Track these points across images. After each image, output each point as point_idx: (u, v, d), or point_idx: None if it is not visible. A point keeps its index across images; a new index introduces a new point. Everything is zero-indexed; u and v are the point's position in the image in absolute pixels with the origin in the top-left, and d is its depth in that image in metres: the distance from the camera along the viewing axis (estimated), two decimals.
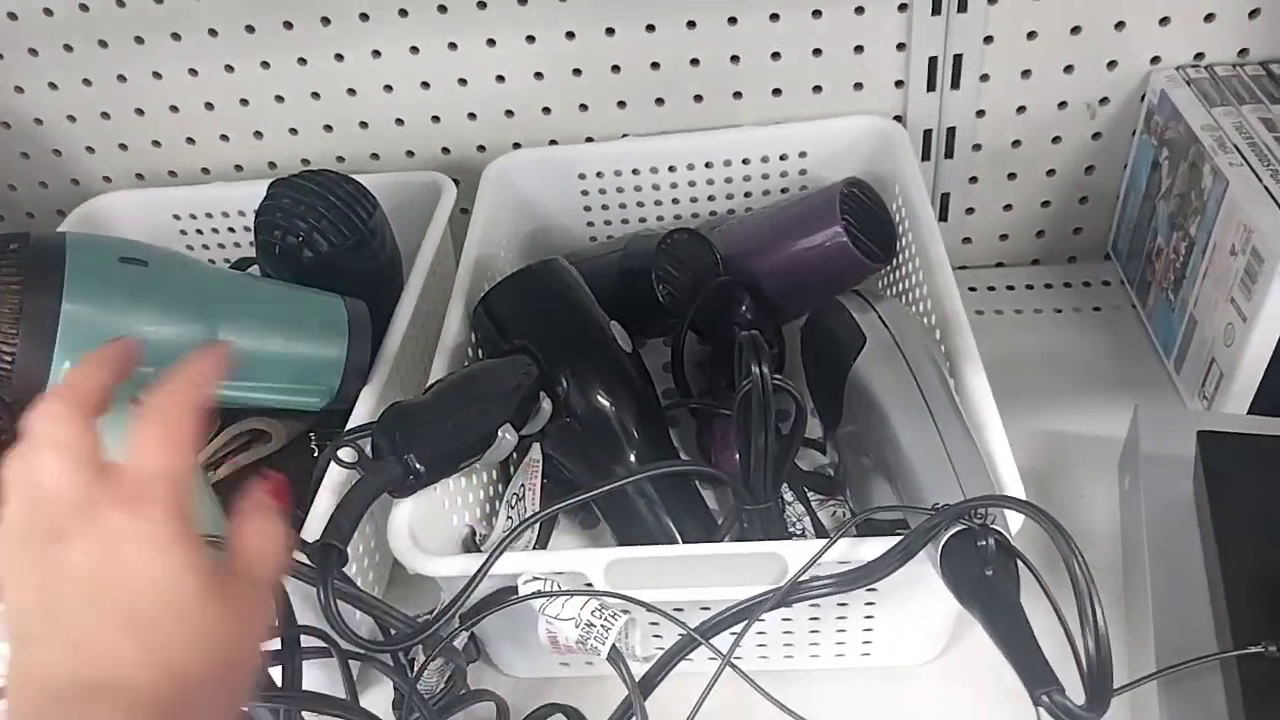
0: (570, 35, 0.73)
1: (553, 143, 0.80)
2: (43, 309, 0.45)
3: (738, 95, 0.76)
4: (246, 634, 0.35)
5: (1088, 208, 0.80)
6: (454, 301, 0.64)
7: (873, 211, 0.68)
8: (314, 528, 0.51)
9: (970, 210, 0.81)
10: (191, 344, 0.49)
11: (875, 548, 0.44)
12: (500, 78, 0.76)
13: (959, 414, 0.49)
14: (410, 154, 0.82)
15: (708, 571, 0.47)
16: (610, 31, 0.73)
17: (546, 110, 0.78)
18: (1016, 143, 0.76)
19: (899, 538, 0.43)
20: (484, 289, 0.64)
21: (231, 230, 0.82)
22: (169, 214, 0.82)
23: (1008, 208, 0.80)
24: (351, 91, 0.78)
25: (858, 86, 0.75)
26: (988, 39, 0.71)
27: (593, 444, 0.57)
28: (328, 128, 0.81)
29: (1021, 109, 0.74)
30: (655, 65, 0.75)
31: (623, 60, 0.75)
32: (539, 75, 0.76)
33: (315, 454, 0.63)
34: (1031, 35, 0.71)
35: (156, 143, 0.83)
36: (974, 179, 0.79)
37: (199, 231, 0.83)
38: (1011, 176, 0.78)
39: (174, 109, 0.81)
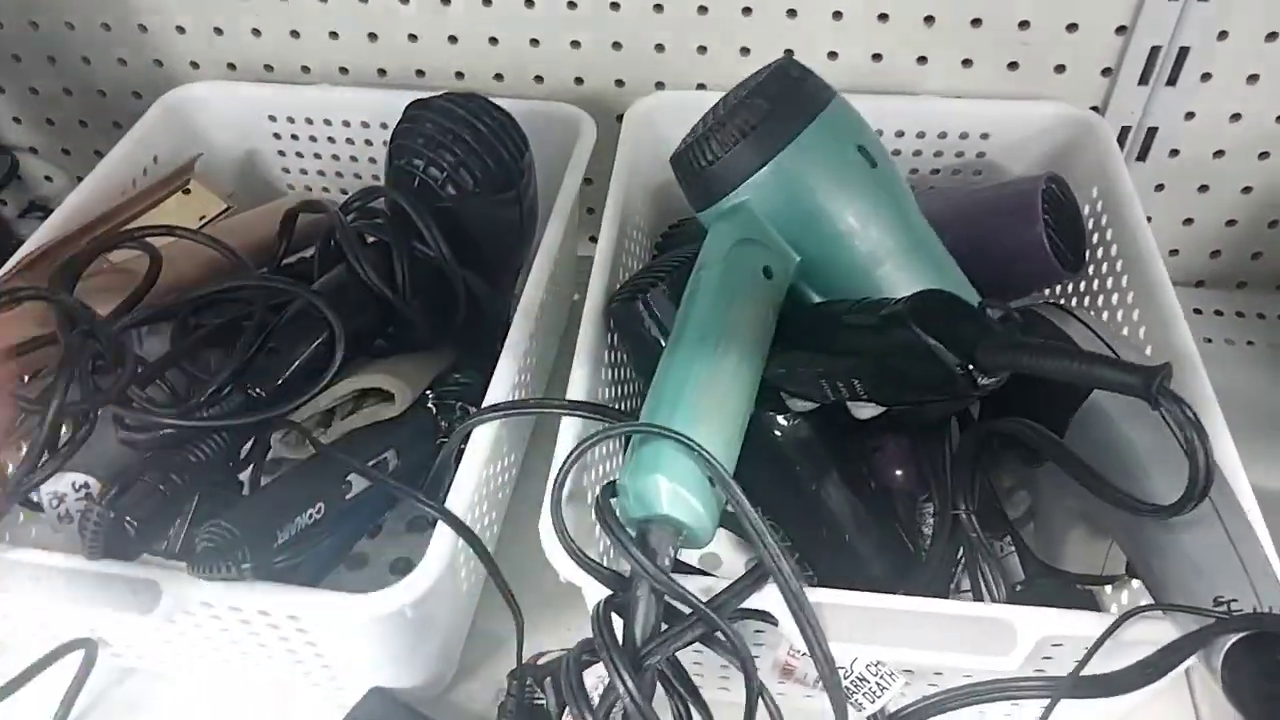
0: None
1: (700, 87, 0.72)
2: (770, 139, 0.45)
3: (923, 60, 0.68)
4: None
5: (1276, 232, 0.72)
6: (596, 273, 0.56)
7: (1069, 214, 0.61)
8: (459, 501, 0.45)
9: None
10: (849, 265, 0.47)
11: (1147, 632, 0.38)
12: (658, 7, 0.68)
13: (1227, 485, 0.43)
14: (539, 79, 0.73)
15: (926, 630, 0.41)
16: None
17: (702, 50, 0.70)
18: (1219, 153, 0.69)
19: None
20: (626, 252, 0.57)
21: (331, 140, 0.74)
22: (263, 114, 0.73)
23: (1188, 222, 0.73)
24: (487, 2, 0.69)
25: (1059, 69, 0.66)
26: (1222, 34, 0.63)
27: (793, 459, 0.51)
28: (452, 39, 0.72)
29: (1236, 116, 0.67)
30: (837, 14, 0.66)
31: (797, 4, 0.66)
32: (703, 9, 0.67)
33: (435, 413, 0.56)
34: (1272, 36, 0.62)
35: (256, 31, 0.74)
36: (1160, 186, 0.71)
37: (294, 137, 0.74)
38: (1203, 189, 0.71)
39: None
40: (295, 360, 0.49)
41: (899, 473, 0.57)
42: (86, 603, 0.43)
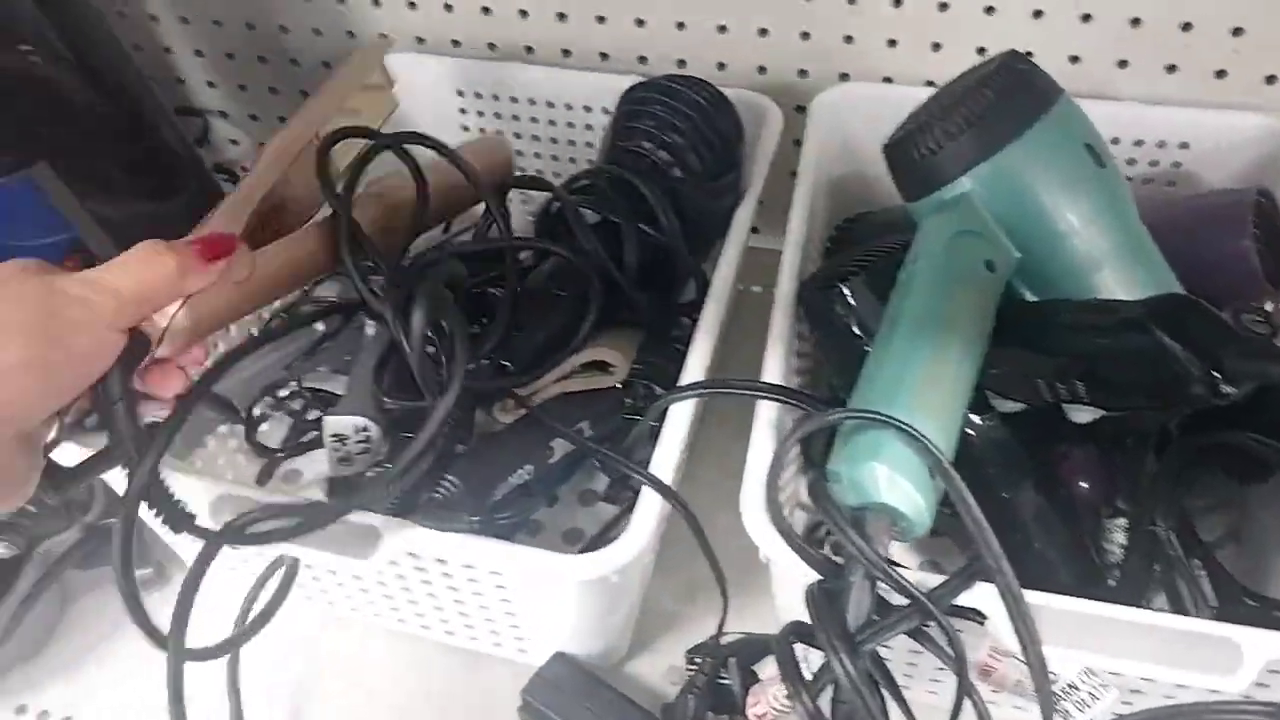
0: None
1: (887, 80, 0.71)
2: (997, 131, 0.45)
3: (1123, 64, 0.66)
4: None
5: None
6: (787, 260, 0.56)
7: (1275, 230, 0.59)
8: (664, 471, 0.46)
9: None
10: (1067, 265, 0.47)
11: None
12: None
13: None
14: (721, 66, 0.74)
15: (1145, 642, 0.40)
16: None
17: (892, 43, 0.69)
18: None
19: None
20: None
21: (516, 118, 0.75)
22: (452, 88, 0.75)
23: None
24: None
25: (1270, 79, 0.64)
26: None
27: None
28: (639, 21, 0.73)
29: None
30: (1038, 13, 0.65)
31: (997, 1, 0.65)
32: (897, 2, 0.67)
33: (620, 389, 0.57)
34: None
35: (448, 6, 0.76)
36: None
37: (479, 114, 0.76)
38: None
39: None
40: (543, 334, 0.51)
41: (1085, 483, 0.56)
42: (310, 542, 0.45)
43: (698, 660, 0.52)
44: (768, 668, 0.48)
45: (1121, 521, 0.55)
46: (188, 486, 0.46)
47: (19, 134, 0.60)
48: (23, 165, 0.62)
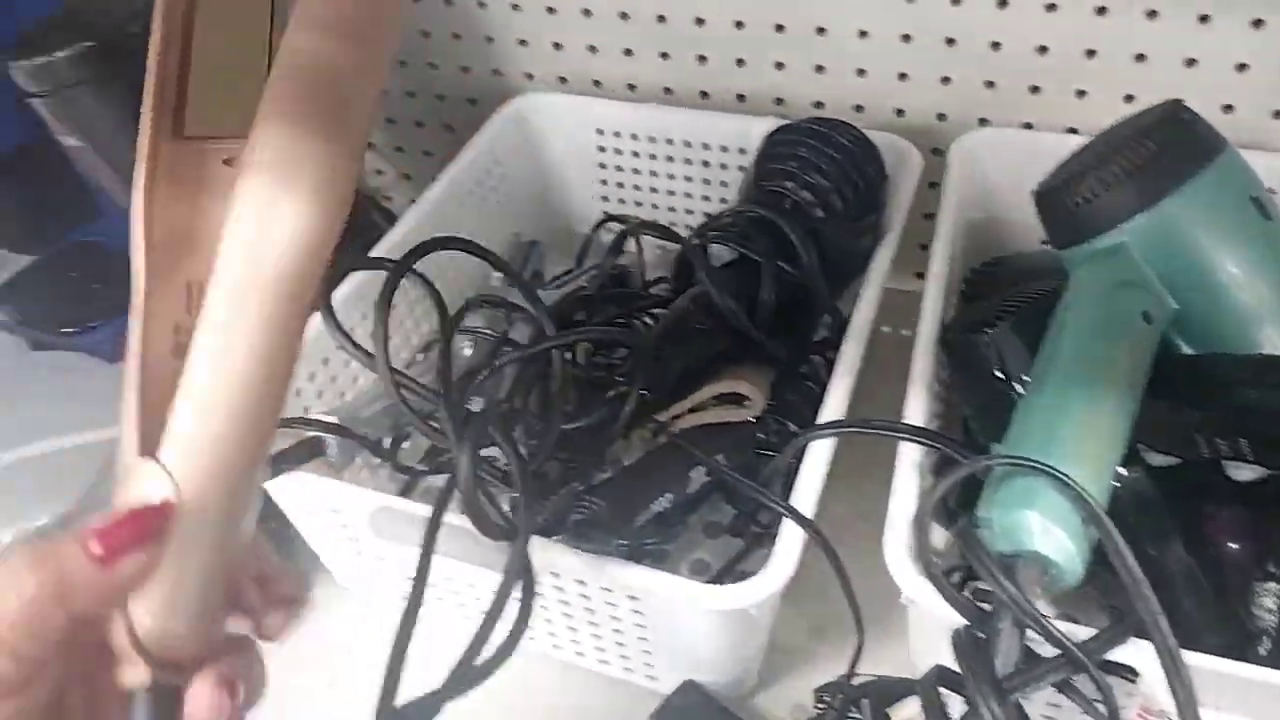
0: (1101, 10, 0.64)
1: (1027, 126, 0.71)
2: (1158, 182, 0.45)
3: (1279, 115, 0.64)
4: None
5: None
6: (929, 303, 0.56)
7: None
8: (805, 505, 0.47)
9: None
10: (1228, 319, 0.46)
11: None
12: (996, 45, 0.68)
13: None
14: (859, 109, 0.75)
15: None
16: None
17: (1035, 89, 0.69)
18: None
19: None
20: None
21: (653, 158, 0.77)
22: (592, 128, 0.78)
23: None
24: (821, 31, 0.71)
25: None
26: None
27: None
28: (779, 65, 0.74)
29: None
30: (1190, 62, 0.64)
31: (1149, 49, 0.64)
32: (1043, 49, 0.67)
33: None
34: None
35: (592, 48, 0.79)
36: None
37: (618, 151, 0.79)
38: None
39: (623, 15, 0.76)
40: (683, 366, 0.52)
41: (1234, 544, 0.54)
42: (452, 554, 0.47)
43: (827, 698, 0.52)
44: (904, 710, 0.48)
45: (1273, 586, 0.53)
46: (350, 496, 0.49)
47: None
48: None
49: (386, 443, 0.56)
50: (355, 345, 0.49)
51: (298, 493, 0.52)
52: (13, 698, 0.26)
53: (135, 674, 0.29)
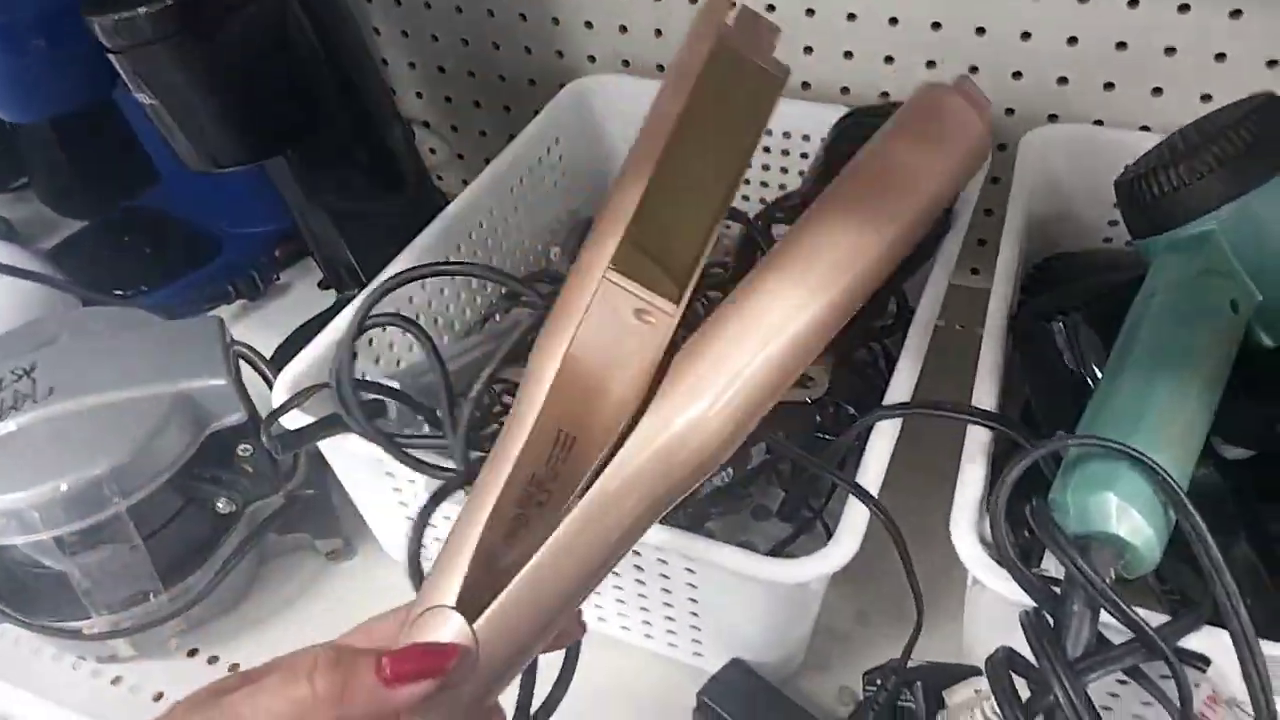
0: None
1: (1098, 123, 0.70)
2: (1251, 172, 0.44)
3: None
4: None
5: None
6: (998, 291, 0.56)
7: None
8: (871, 482, 0.46)
9: None
10: None
11: None
12: (1073, 39, 0.67)
13: None
14: None
15: None
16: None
17: (1109, 86, 0.68)
18: None
19: None
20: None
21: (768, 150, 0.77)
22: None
23: None
24: (893, 21, 0.71)
25: None
26: None
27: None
28: (847, 54, 0.74)
29: None
30: (1272, 63, 0.63)
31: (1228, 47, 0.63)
32: (1122, 45, 0.66)
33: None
34: None
35: (659, 31, 0.79)
36: None
37: None
38: None
39: None
40: None
41: None
42: None
43: (879, 680, 0.51)
44: (959, 694, 0.47)
45: None
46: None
47: (272, 130, 0.65)
48: (265, 157, 0.67)
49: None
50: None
51: (355, 455, 0.52)
52: None
53: None
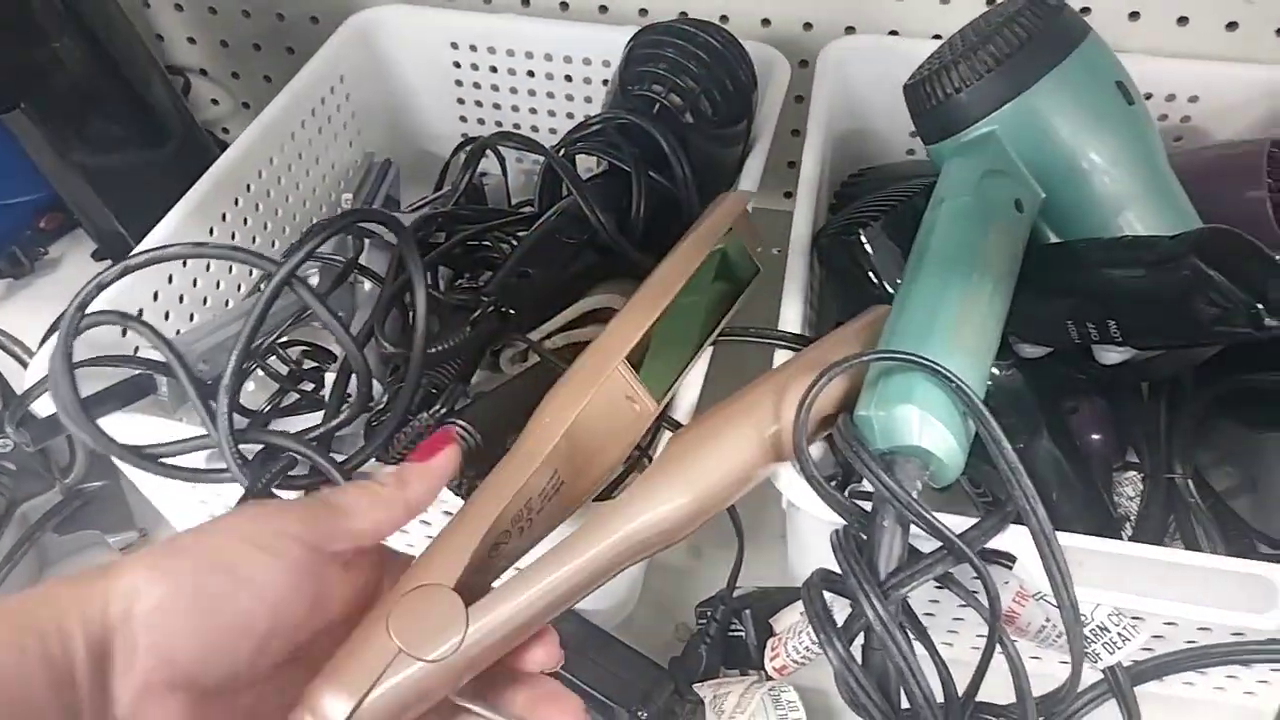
0: None
1: (893, 34, 0.70)
2: (1027, 69, 0.44)
3: (1135, 16, 0.65)
4: None
5: None
6: (801, 209, 0.55)
7: None
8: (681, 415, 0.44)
9: None
10: (1094, 205, 0.46)
11: None
12: None
13: None
14: (724, 19, 0.72)
15: (1177, 584, 0.39)
16: None
17: None
18: None
19: None
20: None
21: (512, 72, 0.73)
22: (446, 41, 0.73)
23: None
24: None
25: None
26: None
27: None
28: None
29: None
30: None
31: None
32: None
33: None
34: None
35: None
36: None
37: (474, 66, 0.74)
38: None
39: None
40: (544, 284, 0.49)
41: (1096, 436, 0.55)
42: None
43: (709, 613, 0.51)
44: (785, 619, 0.47)
45: (1132, 474, 0.55)
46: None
47: None
48: None
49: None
50: None
51: (127, 436, 0.47)
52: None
53: None
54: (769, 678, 0.48)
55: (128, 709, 0.27)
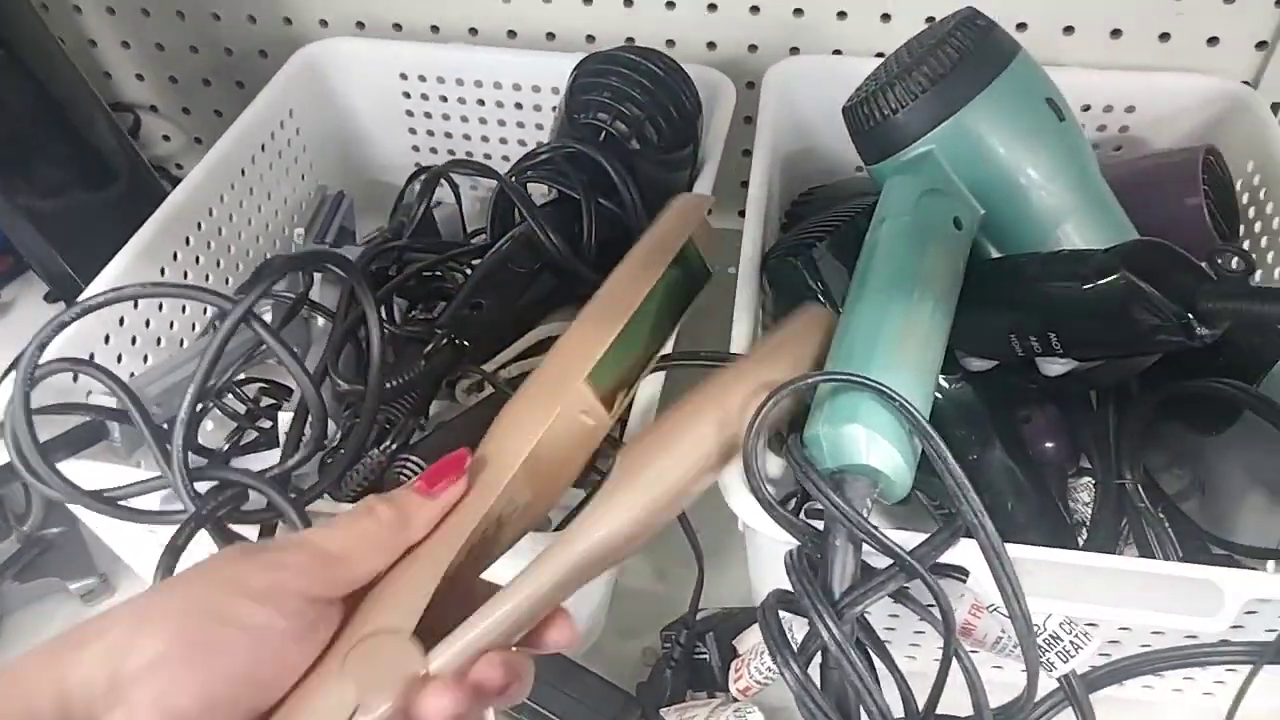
0: None
1: (836, 53, 0.71)
2: (960, 88, 0.45)
3: (1069, 30, 0.66)
4: None
5: None
6: (749, 231, 0.55)
7: (1224, 187, 0.60)
8: None
9: None
10: (1031, 220, 0.47)
11: None
12: None
13: None
14: (671, 43, 0.73)
15: (1128, 589, 0.40)
16: None
17: (841, 15, 0.69)
18: None
19: None
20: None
21: (462, 101, 0.74)
22: (395, 72, 0.73)
23: None
24: None
25: (1212, 41, 0.65)
26: None
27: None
28: (587, 1, 0.72)
29: None
30: None
31: None
32: None
33: None
34: None
35: None
36: None
37: (424, 96, 0.74)
38: None
39: None
40: (498, 314, 0.50)
41: (1050, 444, 0.56)
42: None
43: (673, 636, 0.51)
44: (748, 640, 0.47)
45: (1086, 480, 0.56)
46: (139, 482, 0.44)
47: None
48: None
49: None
50: None
51: (84, 481, 0.47)
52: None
53: None
54: (734, 699, 0.48)
55: None
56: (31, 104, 0.60)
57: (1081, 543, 0.53)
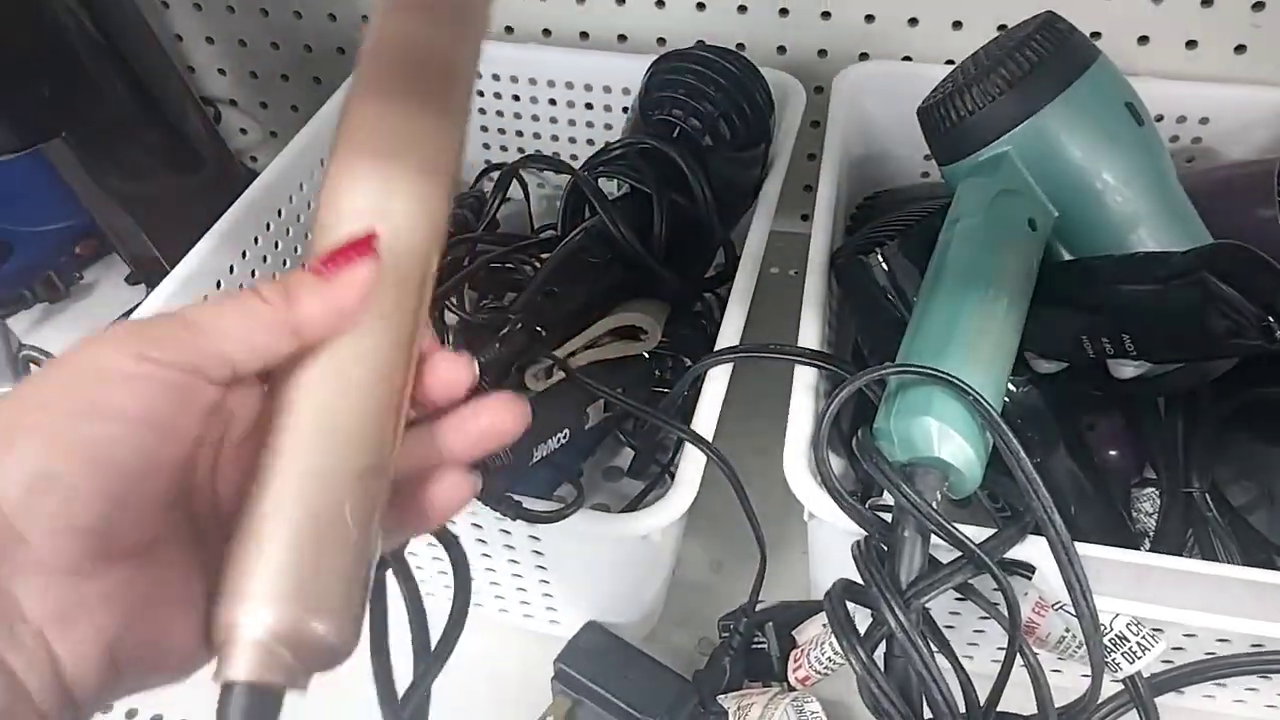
0: None
1: (906, 59, 0.71)
2: (1039, 91, 0.45)
3: (1144, 40, 0.66)
4: None
5: None
6: (818, 229, 0.56)
7: None
8: (705, 430, 0.46)
9: None
10: (1106, 224, 0.46)
11: None
12: None
13: None
14: (741, 46, 0.74)
15: (1195, 593, 0.40)
16: None
17: (913, 21, 0.69)
18: None
19: None
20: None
21: (534, 100, 0.75)
22: (488, 72, 0.75)
23: None
24: None
25: None
26: None
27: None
28: (659, 3, 0.73)
29: None
30: None
31: None
32: None
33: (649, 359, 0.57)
34: None
35: None
36: None
37: (497, 95, 0.76)
38: None
39: None
40: (570, 301, 0.51)
41: (1114, 452, 0.56)
42: None
43: (732, 626, 0.51)
44: (808, 631, 0.48)
45: (1150, 490, 0.55)
46: None
47: (39, 110, 0.59)
48: (38, 141, 0.61)
49: None
50: None
51: None
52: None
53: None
54: (791, 689, 0.48)
55: (38, 606, 0.23)
56: (129, 93, 0.63)
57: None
